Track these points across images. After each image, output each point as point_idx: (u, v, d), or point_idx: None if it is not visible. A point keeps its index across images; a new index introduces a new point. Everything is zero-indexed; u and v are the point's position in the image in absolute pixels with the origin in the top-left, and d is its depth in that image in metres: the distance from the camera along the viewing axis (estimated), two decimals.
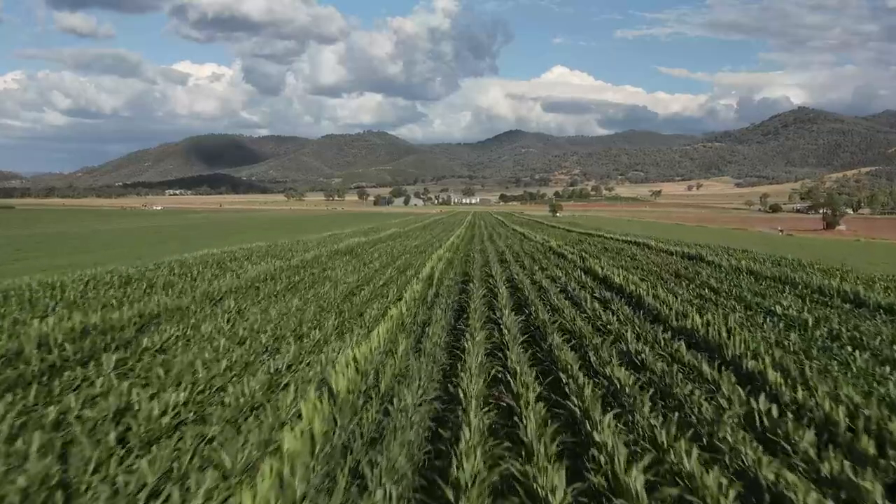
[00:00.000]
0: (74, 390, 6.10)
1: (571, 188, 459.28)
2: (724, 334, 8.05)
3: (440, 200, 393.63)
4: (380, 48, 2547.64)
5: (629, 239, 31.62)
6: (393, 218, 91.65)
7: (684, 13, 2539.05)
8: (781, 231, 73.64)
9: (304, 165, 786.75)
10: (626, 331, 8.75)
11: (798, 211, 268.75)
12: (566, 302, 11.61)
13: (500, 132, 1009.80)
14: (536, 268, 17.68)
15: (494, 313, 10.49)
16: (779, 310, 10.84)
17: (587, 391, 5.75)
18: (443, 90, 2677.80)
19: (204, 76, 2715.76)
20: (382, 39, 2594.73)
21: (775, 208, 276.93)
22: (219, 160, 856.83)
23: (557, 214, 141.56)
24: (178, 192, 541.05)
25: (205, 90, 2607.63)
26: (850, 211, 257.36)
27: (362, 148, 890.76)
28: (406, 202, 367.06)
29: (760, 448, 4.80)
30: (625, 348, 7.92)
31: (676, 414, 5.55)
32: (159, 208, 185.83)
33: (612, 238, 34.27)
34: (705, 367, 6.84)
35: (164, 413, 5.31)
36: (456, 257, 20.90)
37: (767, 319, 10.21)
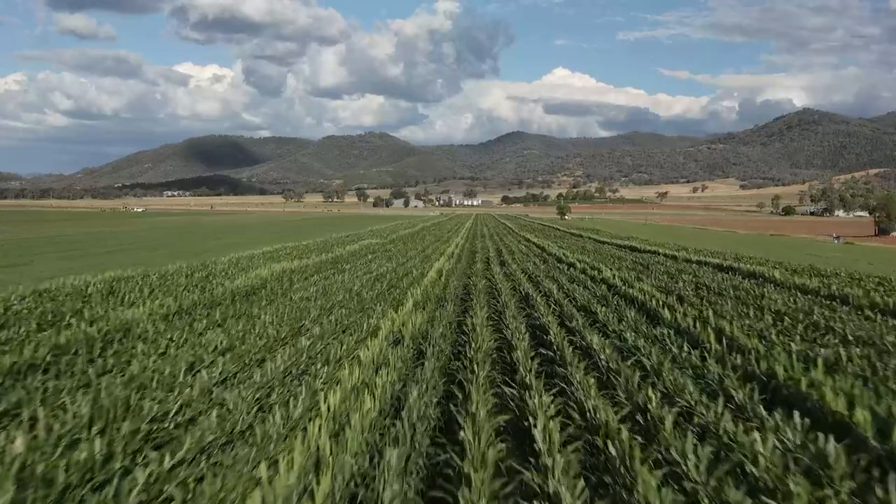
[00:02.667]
0: None
1: (575, 190, 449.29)
2: None
3: (441, 202, 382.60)
4: (381, 50, 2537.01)
5: (718, 262, 20.47)
6: (383, 222, 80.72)
7: (686, 15, 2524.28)
8: (838, 239, 62.52)
9: (305, 167, 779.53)
10: None
11: (812, 213, 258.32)
12: None
13: (501, 134, 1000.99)
14: (635, 381, 6.59)
15: None
16: None
17: None
18: (444, 92, 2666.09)
19: (205, 78, 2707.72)
20: (383, 41, 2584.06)
21: (788, 210, 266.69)
22: (219, 161, 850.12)
23: (566, 217, 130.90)
24: (176, 193, 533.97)
25: (206, 92, 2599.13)
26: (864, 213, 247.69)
27: (363, 149, 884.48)
28: (406, 204, 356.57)
29: None
30: None
31: None
32: (141, 210, 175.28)
33: (679, 258, 23.25)
34: None
35: None
36: (438, 321, 9.85)
37: None
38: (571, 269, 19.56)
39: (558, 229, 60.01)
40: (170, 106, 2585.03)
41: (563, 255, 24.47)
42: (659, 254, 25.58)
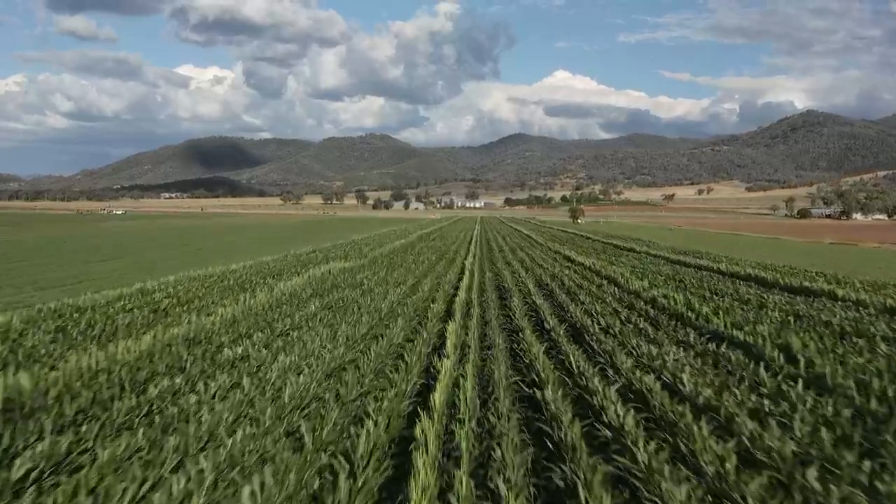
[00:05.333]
0: None
1: (579, 192, 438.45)
2: None
3: (443, 204, 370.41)
4: (381, 52, 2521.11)
5: None
6: (377, 227, 69.02)
7: (687, 18, 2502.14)
8: None
9: (306, 169, 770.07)
10: None
11: (828, 216, 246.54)
12: None
13: (502, 136, 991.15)
14: None
15: None
16: None
17: None
18: (445, 94, 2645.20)
19: (205, 79, 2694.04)
20: (384, 43, 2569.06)
21: (803, 213, 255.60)
22: (219, 163, 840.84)
23: (579, 221, 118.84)
24: (174, 195, 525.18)
25: (206, 93, 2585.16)
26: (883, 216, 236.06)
27: (364, 151, 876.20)
28: (406, 206, 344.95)
29: None
30: None
31: None
32: (120, 212, 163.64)
33: None
34: None
35: None
36: None
37: None
38: (802, 388, 7.54)
39: (589, 238, 48.18)
40: (170, 108, 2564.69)
41: (696, 310, 12.50)
42: (846, 301, 13.65)
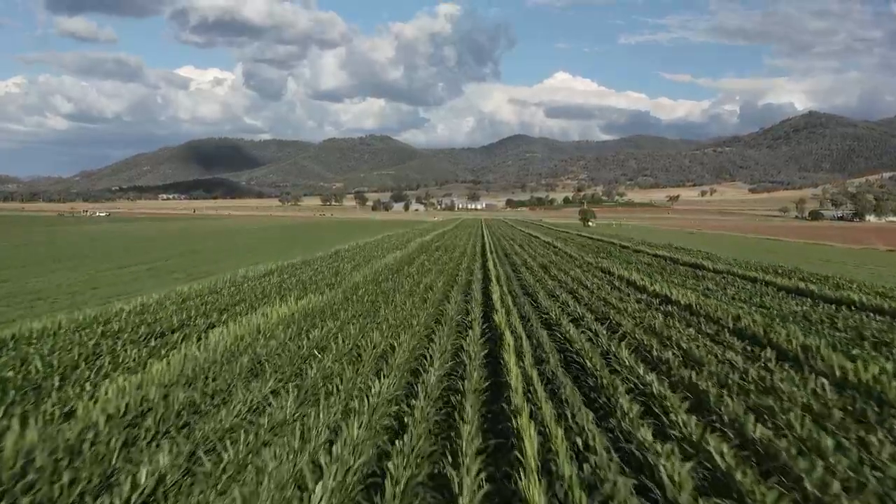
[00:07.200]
0: None
1: (581, 193, 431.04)
2: None
3: (443, 206, 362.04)
4: (382, 53, 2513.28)
5: None
6: (372, 232, 60.73)
7: (688, 19, 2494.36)
8: None
9: (306, 170, 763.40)
10: None
11: (840, 218, 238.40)
12: None
13: (503, 137, 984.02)
14: None
15: None
16: None
17: None
18: (445, 95, 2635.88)
19: (206, 81, 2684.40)
20: (384, 44, 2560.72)
21: (815, 215, 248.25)
22: (219, 164, 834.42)
23: (590, 224, 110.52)
24: (172, 196, 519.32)
25: (207, 95, 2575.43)
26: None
27: (364, 153, 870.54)
28: (406, 207, 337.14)
29: None
30: None
31: None
32: (104, 214, 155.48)
33: None
34: None
35: None
36: None
37: None
38: None
39: (626, 246, 39.73)
40: (171, 109, 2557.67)
41: None
42: None
